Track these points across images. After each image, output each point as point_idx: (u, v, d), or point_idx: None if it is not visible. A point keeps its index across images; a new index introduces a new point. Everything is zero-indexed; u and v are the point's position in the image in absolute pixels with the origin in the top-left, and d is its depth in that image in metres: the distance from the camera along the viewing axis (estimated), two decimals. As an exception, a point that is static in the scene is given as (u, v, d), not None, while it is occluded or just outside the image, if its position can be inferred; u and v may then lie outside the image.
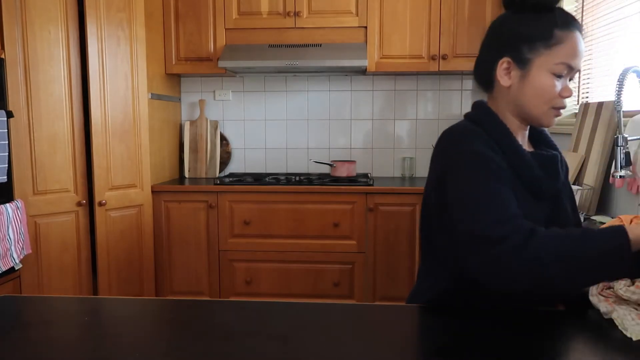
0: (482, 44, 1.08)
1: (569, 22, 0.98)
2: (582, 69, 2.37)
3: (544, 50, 0.98)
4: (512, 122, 1.05)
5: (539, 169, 1.02)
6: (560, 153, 1.12)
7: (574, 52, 0.98)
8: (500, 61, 1.02)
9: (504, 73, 1.02)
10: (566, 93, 1.00)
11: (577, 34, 0.99)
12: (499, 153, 0.99)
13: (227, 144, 3.42)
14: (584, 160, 2.05)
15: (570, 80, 1.03)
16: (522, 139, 1.08)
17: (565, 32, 0.98)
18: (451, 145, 1.00)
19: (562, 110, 1.03)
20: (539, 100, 1.00)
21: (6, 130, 2.13)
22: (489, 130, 1.02)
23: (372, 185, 2.87)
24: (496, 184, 0.93)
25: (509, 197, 0.92)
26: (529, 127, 1.10)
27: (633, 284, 0.96)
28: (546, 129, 1.14)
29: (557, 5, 1.01)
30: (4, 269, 2.12)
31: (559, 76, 0.99)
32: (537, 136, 1.13)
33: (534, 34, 0.99)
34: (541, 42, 0.98)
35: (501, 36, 1.03)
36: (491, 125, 1.02)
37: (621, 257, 0.82)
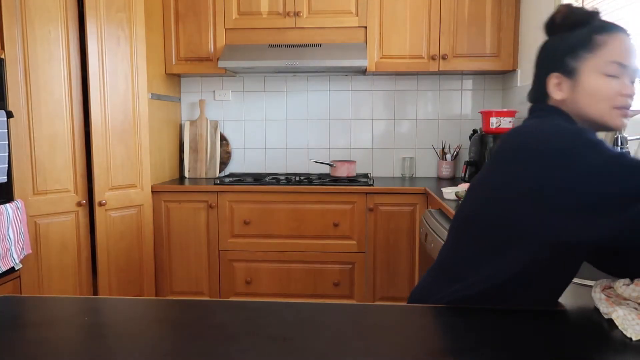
0: (534, 70, 1.14)
1: (608, 26, 1.02)
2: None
3: (587, 55, 1.01)
4: None
5: None
6: None
7: (622, 50, 1.00)
8: (548, 78, 1.06)
9: (556, 88, 1.06)
10: (626, 90, 1.01)
11: (621, 34, 1.01)
12: None
13: (227, 144, 3.42)
14: (584, 160, 2.05)
15: (632, 82, 1.02)
16: None
17: (605, 35, 1.01)
18: (562, 145, 0.95)
19: (629, 112, 1.03)
20: (594, 101, 1.01)
21: (6, 130, 2.13)
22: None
23: (372, 185, 2.87)
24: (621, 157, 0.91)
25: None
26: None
27: (631, 282, 0.96)
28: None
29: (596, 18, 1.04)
30: (4, 269, 2.12)
31: (613, 76, 1.00)
32: None
33: (574, 44, 1.03)
34: (583, 49, 1.02)
35: (546, 56, 1.08)
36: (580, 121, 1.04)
37: None
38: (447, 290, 1.11)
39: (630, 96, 1.01)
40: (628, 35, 1.03)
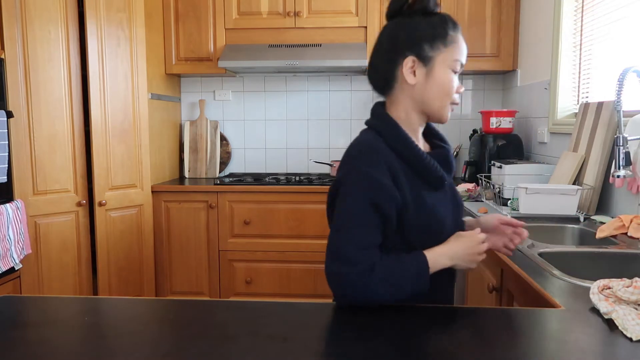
0: (375, 49, 1.13)
1: (456, 24, 1.09)
2: (581, 69, 2.37)
3: (443, 48, 1.06)
4: (414, 121, 1.12)
5: (440, 169, 1.09)
6: (448, 145, 1.18)
7: (464, 51, 1.09)
8: (405, 61, 1.06)
9: (410, 72, 1.07)
10: (461, 89, 1.11)
11: (461, 35, 1.09)
12: (398, 163, 1.04)
13: (227, 144, 3.42)
14: (584, 160, 2.05)
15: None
16: (419, 136, 1.15)
17: (456, 32, 1.08)
18: (351, 160, 1.05)
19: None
20: (442, 94, 1.07)
21: (6, 130, 2.13)
22: (390, 140, 1.07)
23: (372, 185, 2.86)
24: (370, 211, 0.99)
25: (375, 225, 1.00)
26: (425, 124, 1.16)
27: (631, 284, 0.96)
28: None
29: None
30: (4, 269, 2.12)
31: (454, 72, 1.08)
32: (428, 130, 1.19)
33: (434, 34, 1.06)
34: (440, 41, 1.06)
35: (400, 38, 1.07)
36: (392, 135, 1.07)
37: (422, 281, 0.99)
38: None
39: (461, 93, 1.10)
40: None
